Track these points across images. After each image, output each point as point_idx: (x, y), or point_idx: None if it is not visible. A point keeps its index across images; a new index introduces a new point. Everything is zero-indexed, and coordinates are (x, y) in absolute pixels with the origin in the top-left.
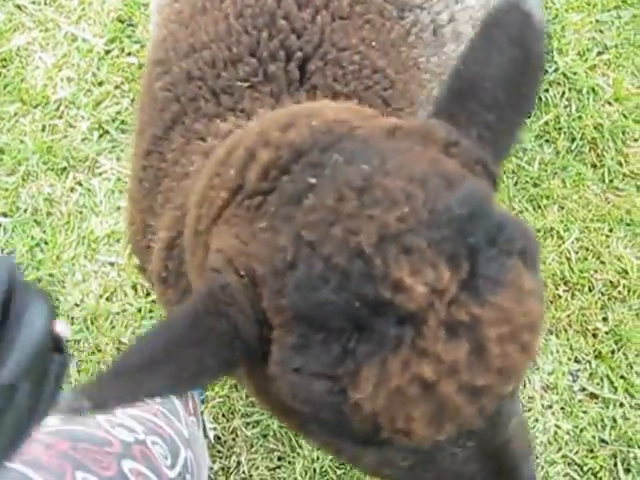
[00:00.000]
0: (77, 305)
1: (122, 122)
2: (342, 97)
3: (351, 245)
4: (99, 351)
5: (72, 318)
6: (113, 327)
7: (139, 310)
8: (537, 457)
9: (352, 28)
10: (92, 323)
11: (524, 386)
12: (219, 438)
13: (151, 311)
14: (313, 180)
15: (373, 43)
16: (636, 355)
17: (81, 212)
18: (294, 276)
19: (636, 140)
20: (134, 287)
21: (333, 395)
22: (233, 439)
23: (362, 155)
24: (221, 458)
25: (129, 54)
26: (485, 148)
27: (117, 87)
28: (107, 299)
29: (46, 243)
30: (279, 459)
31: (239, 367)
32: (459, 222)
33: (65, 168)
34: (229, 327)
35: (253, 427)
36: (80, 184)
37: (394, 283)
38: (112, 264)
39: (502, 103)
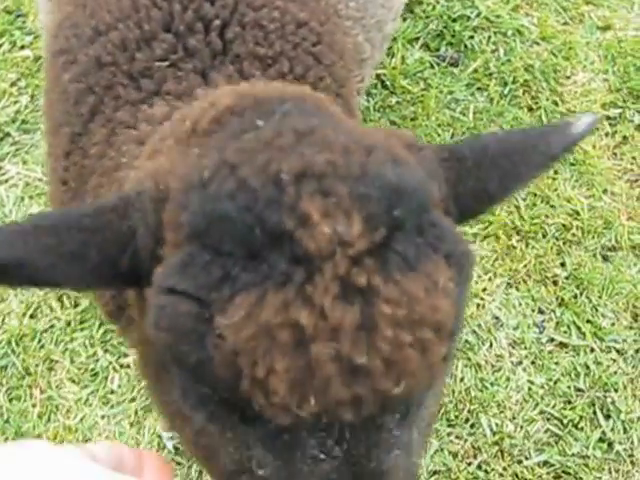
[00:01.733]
0: None
1: (23, 122)
2: (269, 61)
3: (270, 172)
4: (29, 374)
5: None
6: (42, 346)
7: (68, 323)
8: (514, 418)
9: None
10: (17, 345)
11: (490, 345)
12: (177, 449)
13: (82, 322)
14: (260, 122)
15: None
16: (599, 297)
17: None
18: (203, 192)
19: (568, 77)
20: (59, 299)
21: (199, 322)
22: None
23: (318, 115)
24: (182, 468)
25: (22, 47)
26: (446, 170)
27: (13, 84)
28: (31, 317)
29: None
30: None
31: (122, 282)
32: (391, 192)
33: None
34: (128, 231)
35: None
36: None
37: (301, 216)
38: None
39: (488, 154)
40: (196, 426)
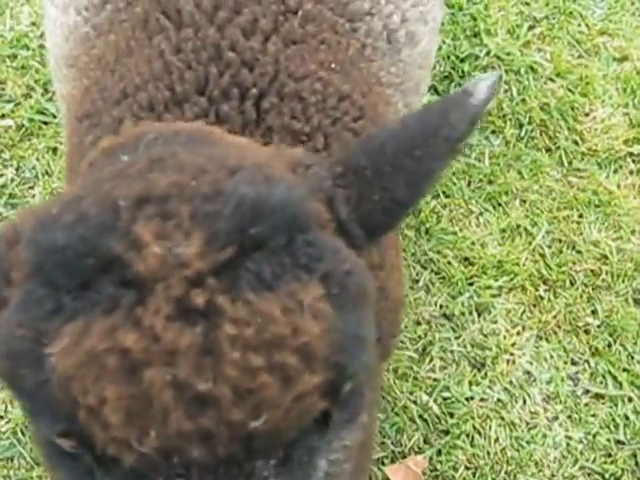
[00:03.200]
0: (1, 417)
1: (10, 196)
2: (303, 137)
3: (109, 199)
4: (38, 464)
5: None
6: None
7: None
8: (554, 476)
9: (308, 52)
10: (23, 434)
11: (524, 402)
12: None
13: None
14: (125, 157)
15: (333, 65)
16: (634, 343)
17: None
18: (46, 228)
19: (587, 114)
20: None
21: (36, 344)
22: None
23: (195, 143)
24: None
25: (2, 116)
26: (342, 188)
27: None
28: None
29: None
30: None
31: None
32: (248, 210)
33: None
34: None
35: None
36: None
37: (132, 240)
38: None
39: (386, 157)
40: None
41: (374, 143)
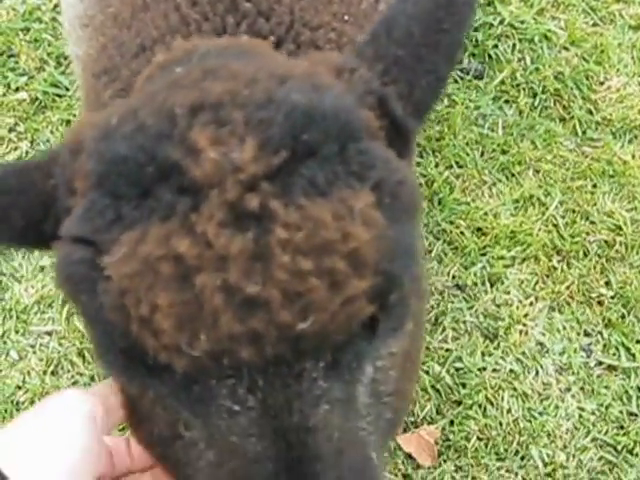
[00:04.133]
0: (19, 388)
1: None
2: None
3: (165, 108)
4: None
5: (17, 404)
6: None
7: (92, 378)
8: (566, 447)
9: (321, 3)
10: None
11: (536, 373)
12: None
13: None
14: (178, 69)
15: (346, 17)
16: None
17: (0, 281)
18: (107, 138)
19: (602, 83)
20: (80, 354)
21: (91, 268)
22: None
23: (244, 56)
24: None
25: (17, 90)
26: (392, 85)
27: (11, 130)
28: (52, 374)
29: None
30: None
31: (49, 245)
32: (300, 117)
33: None
34: (52, 190)
35: None
36: None
37: (188, 146)
38: (49, 333)
39: (417, 39)
40: (127, 397)
41: (399, 30)
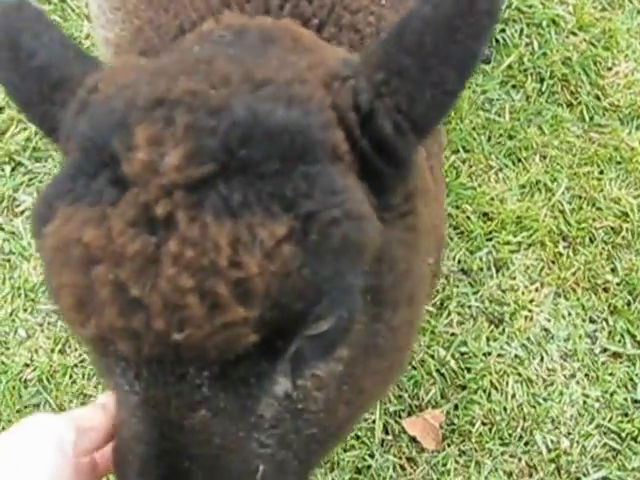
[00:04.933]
0: (27, 365)
1: (34, 149)
2: None
3: (135, 96)
4: (63, 411)
5: (25, 381)
6: (74, 382)
7: None
8: (570, 433)
9: None
10: (49, 382)
11: (541, 359)
12: None
13: None
14: (197, 48)
15: (383, 1)
16: None
17: (9, 260)
18: (97, 105)
19: (610, 69)
20: None
21: (39, 229)
22: None
23: (251, 47)
24: None
25: None
26: (389, 97)
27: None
28: (60, 352)
29: None
30: None
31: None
32: (246, 130)
33: None
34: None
35: None
36: (1, 228)
37: (130, 140)
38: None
39: (428, 48)
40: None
41: (411, 36)
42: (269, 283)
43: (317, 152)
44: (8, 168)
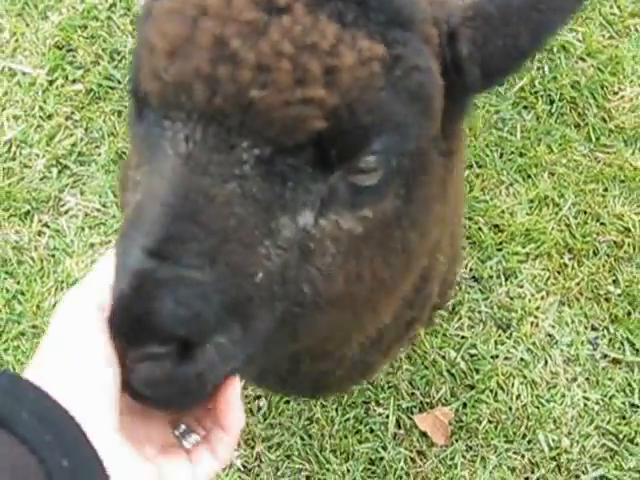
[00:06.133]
0: None
1: (79, 154)
2: None
3: None
4: None
5: None
6: None
7: None
8: (570, 433)
9: None
10: None
11: (545, 363)
12: (244, 467)
13: None
14: None
15: None
16: None
17: (53, 255)
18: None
19: (616, 93)
20: None
21: (147, 11)
22: (258, 465)
23: None
24: None
25: (74, 81)
26: (471, 30)
27: (68, 118)
28: None
29: (22, 294)
30: (307, 478)
31: None
32: None
33: (28, 212)
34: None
35: (276, 449)
36: (47, 226)
37: None
38: None
39: (513, 9)
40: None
41: None
42: (354, 82)
43: (415, 26)
44: (55, 170)
